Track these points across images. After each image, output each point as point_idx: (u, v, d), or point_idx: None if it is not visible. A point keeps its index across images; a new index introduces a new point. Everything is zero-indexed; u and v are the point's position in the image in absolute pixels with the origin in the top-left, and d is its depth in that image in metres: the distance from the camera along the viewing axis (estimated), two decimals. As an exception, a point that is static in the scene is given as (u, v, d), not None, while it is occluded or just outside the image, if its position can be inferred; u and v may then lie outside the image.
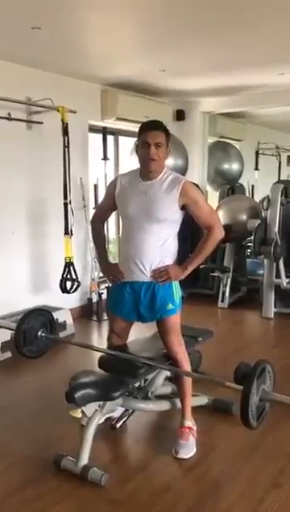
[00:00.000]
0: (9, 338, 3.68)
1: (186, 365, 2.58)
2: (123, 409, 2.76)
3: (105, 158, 5.38)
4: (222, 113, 6.65)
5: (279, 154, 8.65)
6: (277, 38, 3.67)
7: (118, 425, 2.76)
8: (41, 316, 2.81)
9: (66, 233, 4.42)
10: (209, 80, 5.12)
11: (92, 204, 5.10)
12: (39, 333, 2.74)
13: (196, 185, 5.15)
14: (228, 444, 2.67)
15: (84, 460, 2.32)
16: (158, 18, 3.26)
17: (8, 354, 3.88)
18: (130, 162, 5.50)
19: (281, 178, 8.30)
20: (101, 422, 2.52)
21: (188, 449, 2.54)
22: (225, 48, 3.98)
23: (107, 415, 2.68)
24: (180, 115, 6.34)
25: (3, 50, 3.84)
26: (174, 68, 4.57)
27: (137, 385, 2.77)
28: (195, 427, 2.64)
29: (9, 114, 4.12)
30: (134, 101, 5.33)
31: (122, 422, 2.77)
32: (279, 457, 2.54)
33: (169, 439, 2.63)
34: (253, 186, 7.80)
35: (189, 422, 2.63)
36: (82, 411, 2.34)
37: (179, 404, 2.69)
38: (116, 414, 2.78)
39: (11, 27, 3.33)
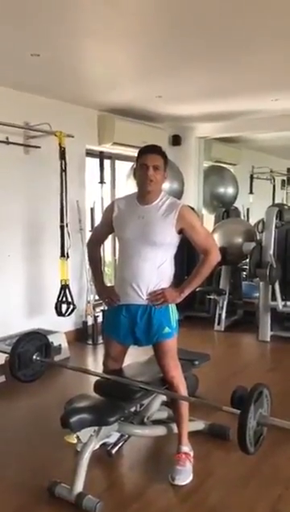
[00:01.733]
0: (3, 362, 3.64)
1: (182, 390, 2.56)
2: (119, 434, 2.72)
3: (101, 181, 5.43)
4: (217, 138, 6.76)
5: (274, 179, 8.76)
6: (271, 65, 3.77)
7: (113, 451, 2.70)
8: (36, 340, 2.79)
9: (62, 255, 4.43)
10: (204, 106, 5.22)
11: (88, 227, 5.12)
12: (34, 357, 2.72)
13: (192, 209, 5.20)
14: (225, 470, 2.63)
15: (79, 487, 2.27)
16: (154, 47, 3.34)
17: (2, 378, 3.84)
18: (126, 185, 5.57)
19: (275, 201, 8.39)
20: (96, 448, 2.48)
21: (185, 476, 2.50)
22: (220, 75, 4.07)
23: (102, 441, 2.64)
24: (175, 140, 6.44)
25: (2, 76, 3.91)
26: (170, 94, 4.67)
27: (133, 410, 2.74)
28: (192, 453, 2.60)
29: (7, 138, 4.17)
30: (130, 126, 5.41)
31: (117, 447, 2.72)
32: (278, 483, 2.50)
33: (165, 465, 2.58)
34: (248, 209, 7.87)
35: (186, 447, 2.59)
36: (77, 437, 2.30)
37: (175, 429, 2.66)
38: (111, 440, 2.73)
39: (11, 54, 3.41)
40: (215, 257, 2.49)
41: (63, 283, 4.44)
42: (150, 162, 2.39)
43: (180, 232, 2.44)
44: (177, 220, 2.40)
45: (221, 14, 2.74)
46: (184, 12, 2.71)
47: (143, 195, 2.46)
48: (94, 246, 2.78)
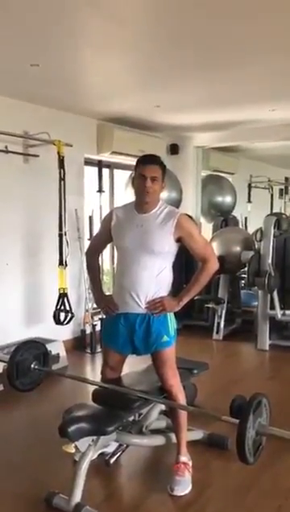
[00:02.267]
0: (1, 370, 3.62)
1: (181, 399, 2.54)
2: (117, 444, 2.70)
3: (100, 190, 5.46)
4: (215, 148, 6.79)
5: (272, 188, 8.80)
6: (268, 76, 3.80)
7: (111, 460, 2.68)
8: (34, 348, 2.78)
9: (60, 263, 4.43)
10: (202, 115, 5.26)
11: (87, 235, 5.13)
12: (32, 366, 2.71)
13: (191, 217, 5.22)
14: (224, 481, 2.61)
15: (77, 497, 2.25)
16: (152, 57, 3.37)
17: (0, 387, 3.81)
18: (125, 194, 5.58)
19: (273, 210, 8.42)
20: (94, 457, 2.46)
21: (184, 486, 2.48)
22: (218, 86, 4.11)
23: (101, 450, 2.62)
24: (174, 149, 6.48)
25: (2, 85, 3.94)
26: (168, 104, 4.70)
27: (131, 419, 2.73)
28: (190, 463, 2.58)
29: (6, 147, 4.19)
30: (129, 135, 5.44)
31: (115, 457, 2.70)
32: (277, 494, 2.48)
33: (164, 475, 2.57)
34: (246, 218, 7.89)
35: (185, 457, 2.58)
36: (75, 446, 2.28)
37: (174, 439, 2.64)
38: (110, 450, 2.72)
39: (11, 64, 3.43)
40: (213, 265, 2.50)
41: (61, 292, 4.44)
42: (148, 173, 2.40)
43: (178, 240, 2.44)
44: (175, 229, 2.41)
45: (219, 24, 2.76)
46: (182, 23, 2.74)
47: (141, 204, 2.47)
48: (93, 255, 2.78)
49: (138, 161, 2.48)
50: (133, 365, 2.97)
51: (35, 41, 3.01)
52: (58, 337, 4.53)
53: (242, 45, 3.11)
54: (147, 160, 2.46)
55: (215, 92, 4.31)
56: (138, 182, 2.43)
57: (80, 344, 5.04)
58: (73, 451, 2.30)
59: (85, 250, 2.96)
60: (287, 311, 5.17)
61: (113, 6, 2.50)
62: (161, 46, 3.14)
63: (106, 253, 5.66)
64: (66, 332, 4.84)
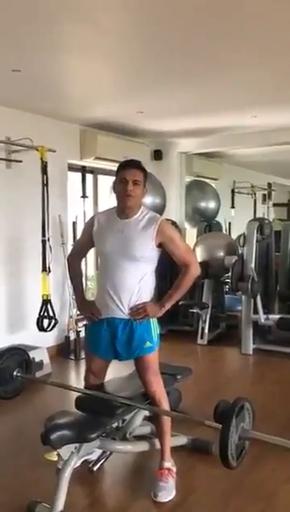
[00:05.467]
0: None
1: (165, 405, 2.54)
2: (101, 451, 2.69)
3: (83, 196, 5.45)
4: (199, 153, 6.84)
5: (255, 193, 8.90)
6: (250, 83, 3.85)
7: (95, 468, 2.67)
8: (17, 355, 2.75)
9: (44, 269, 4.40)
10: (185, 121, 5.30)
11: (70, 241, 5.11)
12: (15, 373, 2.68)
13: (174, 223, 5.24)
14: (208, 486, 2.61)
15: (60, 506, 2.22)
16: (134, 63, 3.39)
17: (-18, 395, 3.76)
18: (109, 200, 5.57)
19: (256, 216, 8.50)
20: (77, 465, 2.44)
21: (168, 492, 2.47)
22: (201, 92, 4.14)
23: (84, 458, 2.60)
24: (157, 155, 6.50)
25: (-16, 91, 3.92)
26: (151, 110, 4.72)
27: (115, 425, 2.71)
28: (174, 469, 2.58)
29: (-12, 153, 4.16)
30: (112, 141, 5.45)
31: (99, 464, 2.68)
32: (260, 498, 2.49)
33: (148, 482, 2.56)
34: (229, 223, 7.96)
35: (168, 463, 2.57)
36: (58, 454, 2.26)
37: (158, 444, 2.64)
38: (93, 457, 2.70)
39: (-8, 70, 3.42)
40: (194, 270, 2.50)
41: (44, 298, 4.40)
42: (129, 176, 2.41)
43: (160, 246, 2.44)
44: (157, 235, 2.41)
45: (202, 31, 2.78)
46: (164, 29, 2.75)
47: (123, 209, 2.47)
48: (75, 261, 2.77)
49: (119, 166, 2.48)
50: (116, 372, 2.96)
51: (16, 46, 3.00)
52: (42, 344, 4.49)
53: (226, 52, 3.14)
54: (128, 164, 2.46)
55: (198, 98, 4.34)
56: (120, 186, 2.43)
57: (64, 351, 5.01)
58: (56, 458, 2.28)
59: (67, 256, 2.94)
60: (271, 316, 5.22)
61: (94, 11, 2.51)
62: (144, 52, 3.15)
63: (90, 258, 5.64)
64: (50, 339, 4.81)
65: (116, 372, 2.94)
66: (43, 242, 4.41)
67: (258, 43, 2.96)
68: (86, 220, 2.79)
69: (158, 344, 2.54)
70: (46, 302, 4.40)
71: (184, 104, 4.53)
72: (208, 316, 5.56)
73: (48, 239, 4.44)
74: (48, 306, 4.41)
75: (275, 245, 5.66)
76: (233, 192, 8.21)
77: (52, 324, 4.42)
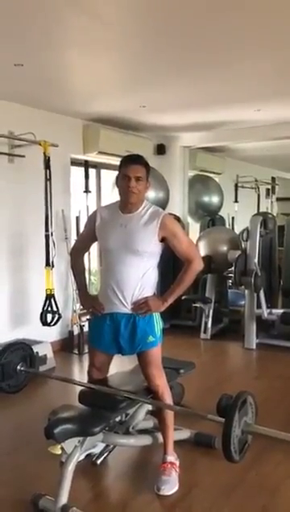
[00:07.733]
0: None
1: (168, 399, 2.55)
2: (104, 445, 2.70)
3: (86, 190, 5.44)
4: (202, 148, 6.81)
5: (258, 187, 8.85)
6: (253, 76, 3.82)
7: (98, 461, 2.69)
8: (20, 350, 2.76)
9: (47, 264, 4.41)
10: (189, 115, 5.27)
11: (74, 236, 5.11)
12: (19, 367, 2.70)
13: (177, 218, 5.23)
14: (211, 480, 2.62)
15: (64, 499, 2.24)
16: (137, 58, 3.37)
17: (-14, 389, 3.78)
18: (111, 194, 5.57)
19: (260, 210, 8.47)
20: (81, 458, 2.46)
21: (171, 485, 2.48)
22: (204, 86, 4.12)
23: (87, 451, 2.62)
24: (160, 149, 6.48)
25: (-14, 86, 3.91)
26: (154, 104, 4.70)
27: (118, 419, 2.73)
28: (177, 462, 2.59)
29: (-9, 148, 4.16)
30: (115, 135, 5.43)
31: (102, 458, 2.70)
32: (263, 493, 2.49)
33: (151, 475, 2.57)
34: (233, 218, 7.94)
35: (172, 457, 2.58)
36: (62, 448, 2.27)
37: (161, 439, 2.65)
38: (96, 450, 2.72)
39: (-6, 64, 3.41)
40: (197, 265, 2.50)
41: (48, 293, 4.41)
42: (132, 173, 2.40)
43: (163, 240, 2.44)
44: (159, 229, 2.40)
45: (205, 24, 2.76)
46: (167, 22, 2.73)
47: (126, 204, 2.46)
48: (78, 255, 2.77)
49: (121, 161, 2.47)
50: (119, 366, 2.97)
51: (19, 41, 2.99)
52: (45, 339, 4.50)
53: (229, 45, 3.11)
54: (131, 160, 2.45)
55: (201, 93, 4.32)
56: (122, 182, 2.42)
57: (67, 346, 5.03)
58: (59, 452, 2.28)
59: (70, 251, 2.94)
60: (274, 310, 5.22)
61: (97, 5, 2.49)
62: (146, 45, 3.14)
63: (94, 253, 5.65)
64: (53, 334, 4.82)
65: (119, 366, 2.95)
66: (47, 237, 4.41)
67: (262, 35, 2.94)
68: (89, 215, 2.78)
69: (161, 339, 2.54)
70: (49, 296, 4.41)
71: (187, 98, 4.51)
72: (211, 311, 5.56)
73: (51, 234, 4.44)
74: (52, 300, 4.42)
75: (279, 240, 5.65)
76: (236, 186, 8.17)
77: (56, 318, 4.43)
